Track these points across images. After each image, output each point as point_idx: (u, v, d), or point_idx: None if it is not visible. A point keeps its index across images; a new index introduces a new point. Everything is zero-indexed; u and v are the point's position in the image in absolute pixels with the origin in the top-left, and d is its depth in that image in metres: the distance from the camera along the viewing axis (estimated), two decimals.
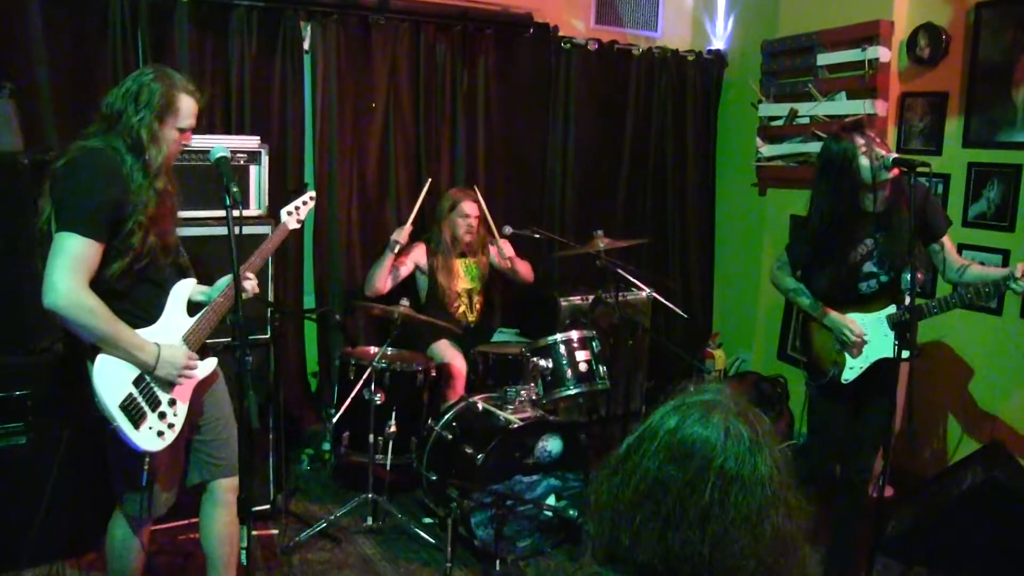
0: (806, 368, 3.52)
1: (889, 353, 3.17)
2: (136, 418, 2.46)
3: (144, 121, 2.47)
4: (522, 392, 3.93)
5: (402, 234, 4.43)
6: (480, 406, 3.90)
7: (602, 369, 4.15)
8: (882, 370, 3.22)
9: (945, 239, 3.24)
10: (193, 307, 2.73)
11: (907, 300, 3.17)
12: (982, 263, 3.39)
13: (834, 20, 4.83)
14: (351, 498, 3.95)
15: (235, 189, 2.28)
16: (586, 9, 5.61)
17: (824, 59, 4.87)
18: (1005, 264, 4.21)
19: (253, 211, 3.84)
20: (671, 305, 4.36)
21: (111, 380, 2.44)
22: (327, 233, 4.81)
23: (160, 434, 2.53)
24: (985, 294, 3.09)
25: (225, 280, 2.80)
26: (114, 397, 2.43)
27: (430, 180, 4.73)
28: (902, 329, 3.10)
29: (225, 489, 2.87)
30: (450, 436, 3.84)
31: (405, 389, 4.06)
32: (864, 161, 3.08)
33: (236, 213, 2.32)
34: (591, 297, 5.10)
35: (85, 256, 2.35)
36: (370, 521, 3.87)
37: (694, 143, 5.93)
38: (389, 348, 3.99)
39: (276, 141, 4.45)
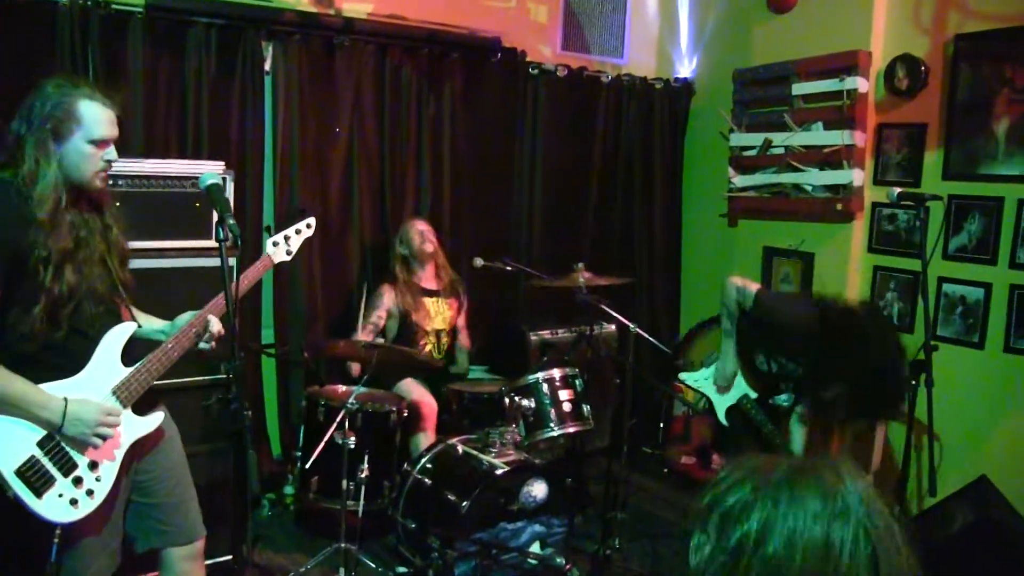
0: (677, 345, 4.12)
1: (716, 404, 3.79)
2: (39, 485, 2.12)
3: (34, 139, 2.14)
4: (505, 434, 3.71)
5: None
6: (460, 449, 3.68)
7: (586, 408, 3.97)
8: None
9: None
10: (144, 350, 2.39)
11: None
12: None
13: (810, 50, 4.78)
14: (318, 546, 3.71)
15: (232, 222, 2.00)
16: (553, 35, 5.49)
17: (800, 89, 4.82)
18: (987, 298, 4.19)
19: (214, 243, 3.56)
20: (655, 341, 4.20)
21: (6, 442, 2.10)
22: (287, 265, 4.51)
23: (73, 502, 2.18)
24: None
25: (185, 318, 2.47)
26: (10, 462, 2.10)
27: (366, 289, 4.50)
28: (739, 410, 3.68)
29: (182, 558, 2.56)
30: (429, 481, 3.61)
31: (377, 431, 3.81)
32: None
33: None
34: (560, 331, 4.94)
35: None
36: (342, 572, 3.59)
37: (661, 172, 5.84)
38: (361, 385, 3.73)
39: (235, 167, 4.17)
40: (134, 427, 2.35)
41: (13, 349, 2.15)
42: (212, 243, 3.37)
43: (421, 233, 4.50)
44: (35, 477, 2.12)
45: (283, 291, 4.55)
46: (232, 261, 2.70)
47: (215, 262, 3.06)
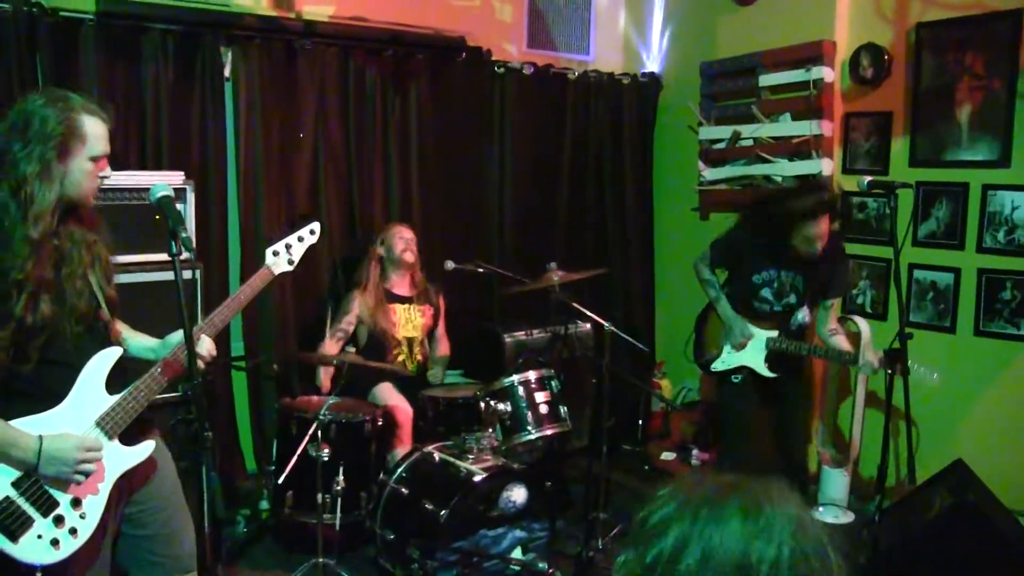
0: (693, 344, 4.15)
1: (752, 364, 3.81)
2: (14, 528, 1.99)
3: (34, 155, 2.02)
4: (482, 439, 3.66)
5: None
6: (437, 456, 3.62)
7: (563, 410, 3.93)
8: (768, 387, 3.85)
9: (835, 302, 3.85)
10: (131, 376, 2.27)
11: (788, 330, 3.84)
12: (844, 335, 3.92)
13: (775, 41, 4.78)
14: (296, 562, 3.63)
15: (184, 234, 1.92)
16: (518, 33, 5.44)
17: (767, 80, 4.81)
18: (956, 283, 4.22)
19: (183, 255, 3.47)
20: (631, 339, 4.17)
21: None
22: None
23: (55, 543, 2.04)
24: (834, 359, 3.89)
25: (176, 338, 2.34)
26: None
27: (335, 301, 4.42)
28: (776, 353, 3.76)
29: None
30: (406, 491, 3.54)
31: (352, 441, 3.75)
32: (812, 230, 3.52)
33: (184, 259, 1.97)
34: (535, 332, 4.89)
35: None
36: None
37: (632, 168, 5.80)
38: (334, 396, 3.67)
39: (197, 175, 4.09)
40: (121, 458, 2.22)
41: None
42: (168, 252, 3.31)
43: (406, 241, 4.40)
44: (9, 519, 1.99)
45: (252, 302, 4.45)
46: (195, 274, 2.61)
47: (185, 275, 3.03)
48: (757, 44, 4.90)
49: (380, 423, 3.90)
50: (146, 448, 2.28)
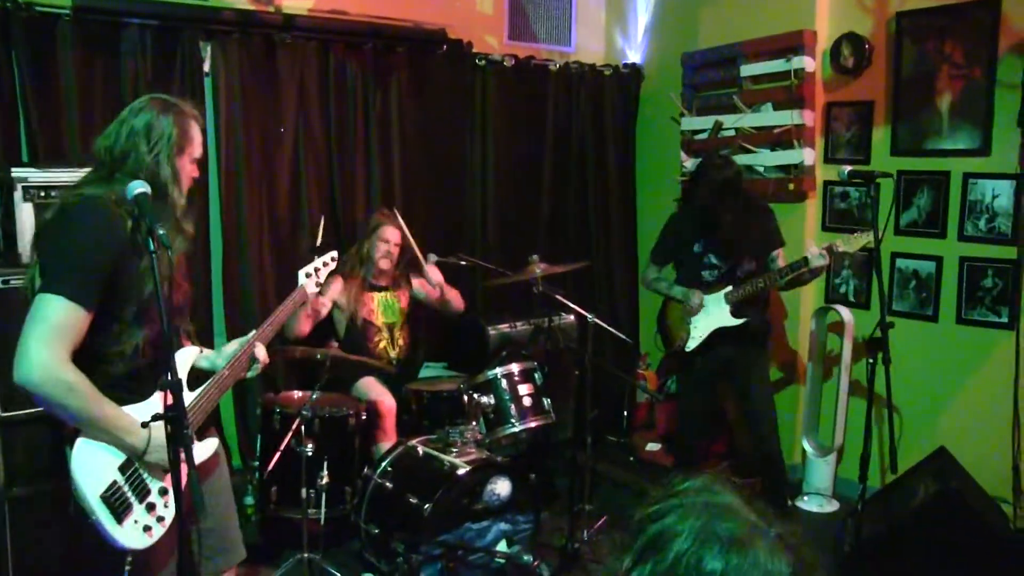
0: (662, 342, 4.32)
1: (721, 322, 3.96)
2: (120, 511, 2.09)
3: (162, 158, 2.19)
4: (465, 432, 3.65)
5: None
6: (420, 450, 3.61)
7: (546, 402, 3.93)
8: (732, 351, 4.02)
9: (779, 251, 4.03)
10: (193, 378, 2.37)
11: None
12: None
13: (756, 30, 4.78)
14: (280, 557, 3.63)
15: (162, 232, 1.93)
16: (499, 25, 5.42)
17: (748, 70, 4.81)
18: (938, 272, 4.24)
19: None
20: (614, 331, 4.17)
21: (92, 467, 2.06)
22: (237, 268, 4.45)
23: (147, 529, 2.14)
24: (787, 274, 3.81)
25: (233, 348, 2.47)
26: (95, 487, 2.05)
27: (323, 219, 4.25)
28: (738, 303, 3.94)
29: None
30: (390, 485, 3.54)
31: (336, 436, 3.74)
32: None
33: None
34: (519, 324, 4.89)
35: (68, 324, 1.98)
36: None
37: (614, 159, 5.80)
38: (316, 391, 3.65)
39: None
40: (198, 452, 2.31)
41: (102, 371, 2.10)
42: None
43: (387, 247, 4.32)
44: (117, 502, 2.08)
45: (233, 296, 4.45)
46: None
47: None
48: (738, 34, 4.90)
49: (364, 417, 3.89)
50: (213, 443, 2.41)
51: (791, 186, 4.68)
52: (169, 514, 2.19)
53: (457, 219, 5.27)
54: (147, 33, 4.06)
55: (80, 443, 2.06)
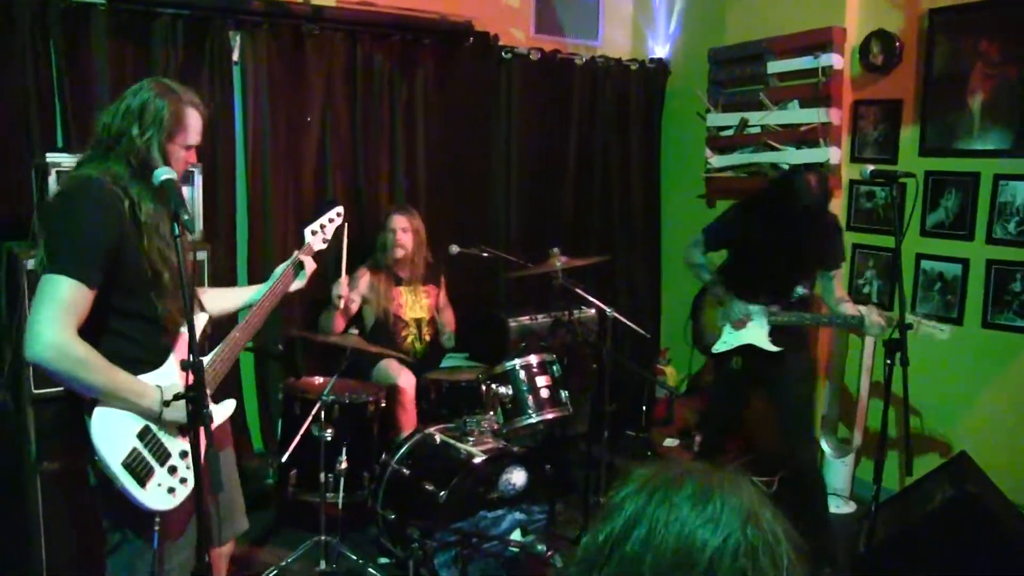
0: (691, 333, 4.12)
1: (756, 341, 3.71)
2: (143, 476, 2.16)
3: (153, 140, 2.23)
4: (483, 422, 3.69)
5: (341, 287, 3.96)
6: (438, 438, 3.65)
7: (563, 394, 3.95)
8: (769, 365, 3.73)
9: (837, 272, 3.74)
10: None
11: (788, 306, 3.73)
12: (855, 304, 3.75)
13: (784, 27, 4.75)
14: (298, 540, 3.69)
15: (187, 216, 1.99)
16: (525, 18, 5.43)
17: (775, 67, 4.79)
18: (965, 274, 4.19)
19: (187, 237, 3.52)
20: (633, 325, 4.17)
21: (112, 435, 2.13)
22: (262, 256, 4.50)
23: (171, 490, 2.22)
24: (839, 325, 3.75)
25: (255, 293, 2.70)
26: (116, 454, 2.13)
27: (347, 226, 4.32)
28: (778, 327, 3.68)
29: (221, 554, 2.62)
30: (407, 472, 3.58)
31: (355, 422, 3.78)
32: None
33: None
34: (540, 316, 4.91)
35: (74, 302, 2.05)
36: (323, 565, 3.57)
37: (638, 154, 5.80)
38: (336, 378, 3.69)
39: (206, 159, 4.13)
40: (215, 414, 2.39)
41: (112, 344, 2.17)
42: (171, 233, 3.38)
43: (395, 234, 4.36)
44: (139, 468, 2.15)
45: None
46: (195, 255, 2.74)
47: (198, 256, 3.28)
48: (766, 30, 4.87)
49: (383, 404, 3.94)
50: (230, 404, 2.49)
51: None
52: (191, 475, 2.25)
53: (480, 211, 5.30)
54: (178, 23, 4.12)
55: (98, 412, 2.11)
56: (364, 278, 4.38)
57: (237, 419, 4.46)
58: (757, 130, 4.93)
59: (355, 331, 3.74)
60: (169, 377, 2.27)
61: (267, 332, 4.47)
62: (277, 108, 4.46)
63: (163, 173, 2.19)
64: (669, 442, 5.21)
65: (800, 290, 3.73)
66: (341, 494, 3.64)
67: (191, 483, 2.25)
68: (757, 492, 1.05)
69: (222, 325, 2.67)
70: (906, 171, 2.90)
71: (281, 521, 4.10)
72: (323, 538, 3.57)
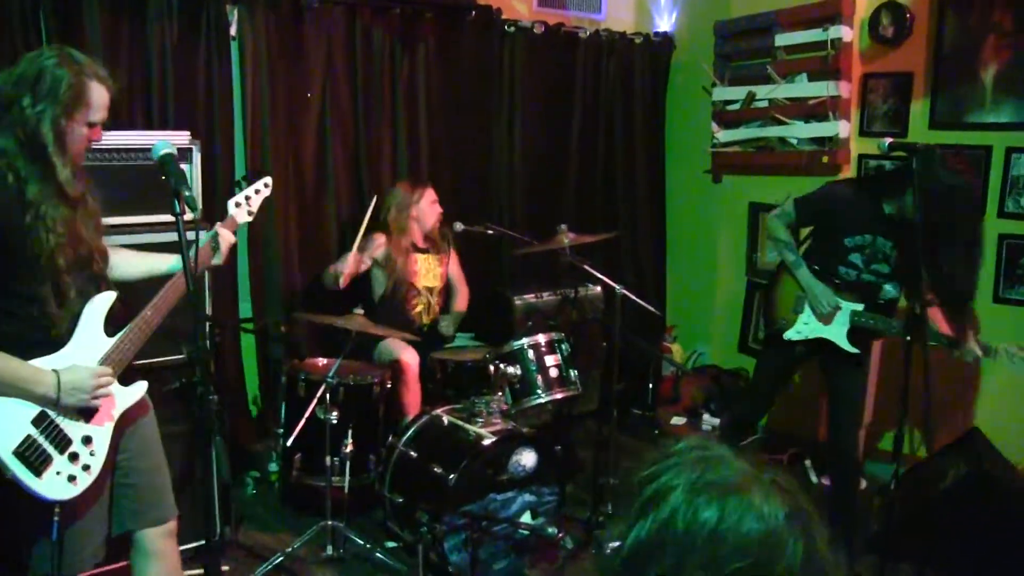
0: (762, 315, 3.81)
1: (835, 338, 3.40)
2: (37, 464, 2.07)
3: (45, 115, 2.05)
4: (491, 403, 3.63)
5: (347, 263, 3.92)
6: (445, 420, 3.59)
7: (573, 373, 3.90)
8: (839, 357, 3.43)
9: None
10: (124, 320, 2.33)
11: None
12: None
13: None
14: (304, 524, 3.63)
15: (188, 193, 1.90)
16: None
17: (783, 40, 4.70)
18: None
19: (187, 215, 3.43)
20: (643, 303, 4.11)
21: (2, 423, 2.04)
22: (263, 235, 4.42)
23: (72, 479, 2.13)
24: (934, 341, 3.18)
25: (172, 264, 2.47)
26: (7, 443, 2.03)
27: (376, 197, 4.21)
28: (859, 328, 3.36)
29: (157, 536, 2.49)
30: (415, 454, 3.53)
31: (360, 404, 3.72)
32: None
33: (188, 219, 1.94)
34: (545, 294, 4.85)
35: None
36: (330, 550, 3.52)
37: (643, 129, 5.71)
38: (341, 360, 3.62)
39: (203, 136, 4.02)
40: (122, 397, 2.31)
41: (6, 327, 2.08)
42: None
43: (439, 215, 4.36)
44: (33, 456, 2.07)
45: (258, 262, 4.43)
46: (205, 235, 2.63)
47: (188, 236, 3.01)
48: (773, 2, 4.78)
49: (389, 385, 3.87)
50: (141, 387, 2.36)
51: (825, 159, 4.58)
52: (95, 462, 2.18)
53: (483, 187, 5.22)
54: None
55: None
56: (380, 240, 4.27)
57: (239, 402, 4.43)
58: (764, 104, 4.85)
59: (359, 311, 3.64)
60: (69, 359, 2.17)
61: (268, 312, 4.41)
62: (276, 83, 4.36)
63: (163, 147, 2.11)
64: (676, 420, 5.17)
65: (889, 290, 3.41)
66: (347, 477, 3.58)
67: (96, 470, 2.17)
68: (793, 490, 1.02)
69: (138, 292, 2.49)
70: (926, 143, 2.83)
71: (285, 505, 4.04)
72: (329, 523, 3.52)
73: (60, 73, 2.07)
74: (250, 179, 2.86)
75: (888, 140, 2.93)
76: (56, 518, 2.13)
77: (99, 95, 2.16)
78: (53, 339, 2.16)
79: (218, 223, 2.63)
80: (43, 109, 2.05)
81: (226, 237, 2.58)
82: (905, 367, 2.90)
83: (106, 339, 2.27)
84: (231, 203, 2.76)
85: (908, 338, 2.83)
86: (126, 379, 2.34)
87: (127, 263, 2.54)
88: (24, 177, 2.05)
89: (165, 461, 2.55)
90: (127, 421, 2.36)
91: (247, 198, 2.78)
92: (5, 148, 2.04)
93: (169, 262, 2.54)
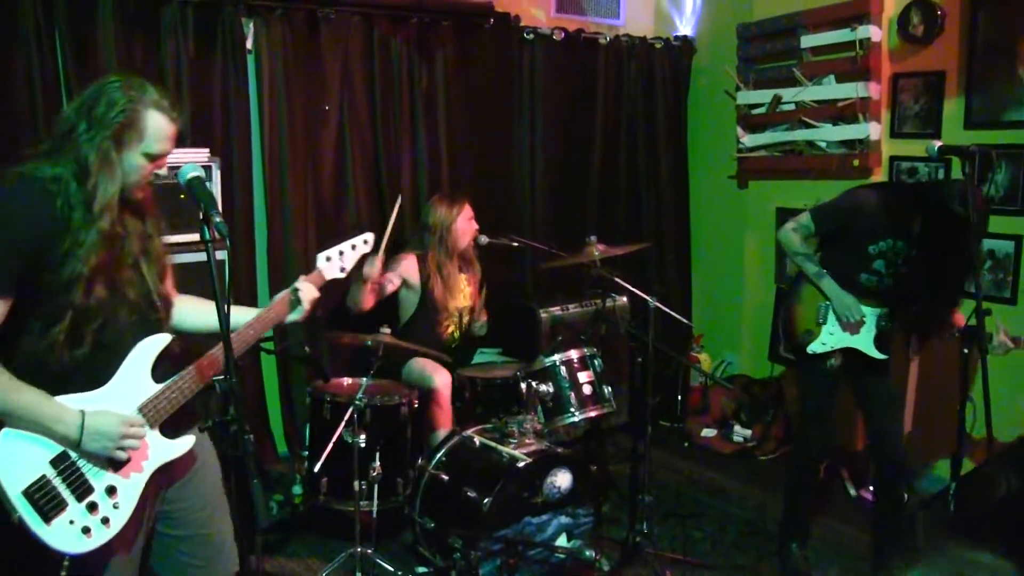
0: (782, 327, 3.58)
1: (862, 347, 3.33)
2: (48, 509, 1.89)
3: (95, 142, 1.95)
4: (524, 423, 3.50)
5: (375, 266, 3.74)
6: (477, 441, 3.47)
7: (607, 390, 3.78)
8: (866, 370, 3.37)
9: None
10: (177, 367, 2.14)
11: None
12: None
13: (815, 0, 4.55)
14: (332, 549, 3.53)
15: (218, 219, 1.76)
16: None
17: (808, 41, 4.60)
18: (1017, 252, 4.01)
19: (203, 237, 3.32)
20: (674, 314, 3.99)
21: (16, 459, 1.88)
22: (283, 252, 4.33)
23: (86, 531, 1.93)
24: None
25: (243, 316, 2.25)
26: (17, 481, 1.87)
27: (400, 197, 4.03)
28: (884, 333, 3.31)
29: None
30: (446, 477, 3.41)
31: (388, 425, 3.60)
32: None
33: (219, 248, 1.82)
34: (571, 306, 4.74)
35: None
36: None
37: (665, 135, 5.61)
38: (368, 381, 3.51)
39: (220, 152, 3.96)
40: (161, 450, 2.10)
41: (25, 359, 1.93)
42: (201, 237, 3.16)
43: (475, 232, 4.18)
44: (44, 500, 1.90)
45: (277, 277, 4.33)
46: (222, 255, 2.46)
47: (204, 256, 2.88)
48: (797, 4, 4.68)
49: (416, 405, 3.76)
50: (187, 442, 2.16)
51: (855, 162, 4.46)
52: (118, 516, 2.00)
53: (506, 198, 5.13)
54: (188, 10, 3.95)
55: (3, 434, 1.89)
56: (409, 261, 4.11)
57: (261, 424, 4.33)
58: (791, 107, 4.74)
59: (386, 329, 3.52)
60: (104, 402, 2.00)
61: (289, 332, 4.30)
62: (293, 96, 4.28)
63: (189, 171, 1.99)
64: (707, 432, 5.05)
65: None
66: (375, 501, 3.47)
67: (117, 525, 1.99)
68: None
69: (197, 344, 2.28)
70: (979, 144, 2.71)
71: (312, 531, 3.92)
72: (358, 549, 3.40)
73: (116, 98, 1.97)
74: (348, 233, 2.66)
75: (937, 144, 2.82)
76: (63, 573, 1.94)
77: (157, 125, 2.02)
78: (86, 381, 2.00)
79: (301, 276, 2.43)
80: (94, 135, 1.96)
81: (308, 292, 2.36)
82: (962, 378, 2.78)
83: (151, 385, 2.09)
84: (321, 256, 2.55)
85: (966, 351, 2.70)
86: (181, 428, 2.16)
87: (195, 312, 2.37)
88: (72, 204, 1.92)
89: (228, 513, 2.36)
90: (175, 474, 2.18)
91: (340, 253, 2.58)
92: (61, 175, 1.92)
93: (245, 316, 2.31)
